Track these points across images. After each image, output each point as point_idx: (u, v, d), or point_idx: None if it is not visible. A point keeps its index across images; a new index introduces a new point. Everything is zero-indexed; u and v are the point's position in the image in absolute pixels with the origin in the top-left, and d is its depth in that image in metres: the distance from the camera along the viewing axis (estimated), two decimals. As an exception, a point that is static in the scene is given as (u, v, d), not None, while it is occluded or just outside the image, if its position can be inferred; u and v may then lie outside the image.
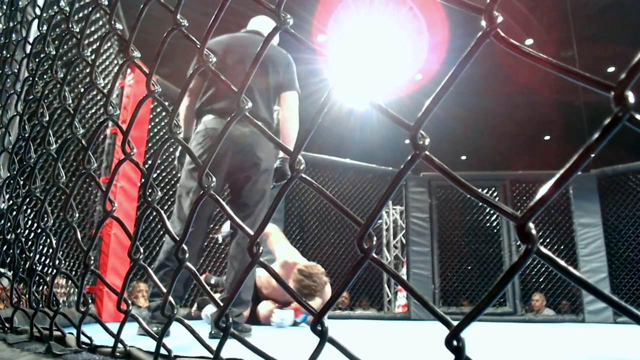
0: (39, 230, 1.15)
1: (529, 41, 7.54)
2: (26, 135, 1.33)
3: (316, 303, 3.86)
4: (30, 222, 2.43)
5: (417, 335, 3.29)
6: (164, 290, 0.81)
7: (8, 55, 1.75)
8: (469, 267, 6.97)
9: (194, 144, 2.54)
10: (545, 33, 7.37)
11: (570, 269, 0.38)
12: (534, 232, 0.39)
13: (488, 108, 9.50)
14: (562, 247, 6.54)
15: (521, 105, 9.35)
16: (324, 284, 3.96)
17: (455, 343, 0.43)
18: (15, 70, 1.66)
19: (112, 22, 1.00)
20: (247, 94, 2.15)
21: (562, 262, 0.38)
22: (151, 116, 4.77)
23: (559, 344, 2.64)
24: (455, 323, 0.44)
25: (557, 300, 6.68)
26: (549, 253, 0.39)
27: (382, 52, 7.50)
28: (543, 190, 0.39)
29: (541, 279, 6.70)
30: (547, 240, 6.63)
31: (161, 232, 4.88)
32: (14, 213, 1.32)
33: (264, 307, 4.04)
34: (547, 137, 11.02)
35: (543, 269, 6.67)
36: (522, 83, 8.29)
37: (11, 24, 1.85)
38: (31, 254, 1.25)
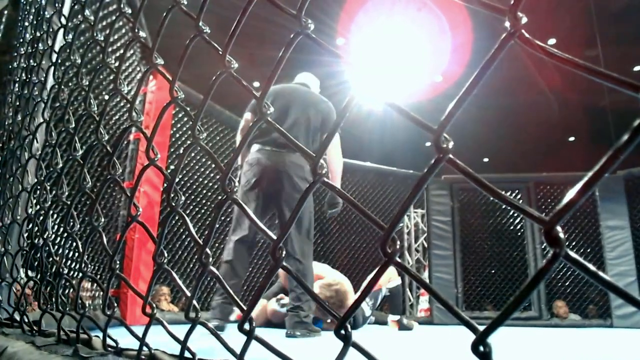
0: (66, 235, 1.17)
1: (552, 40, 7.43)
2: (53, 141, 1.36)
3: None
4: (56, 226, 2.48)
5: (441, 340, 3.26)
6: (188, 294, 0.82)
7: (35, 64, 1.79)
8: (493, 271, 6.86)
9: (243, 172, 3.08)
10: (568, 32, 7.24)
11: (600, 273, 0.37)
12: (562, 235, 0.38)
13: (510, 109, 9.37)
14: (588, 250, 6.40)
15: (544, 106, 9.19)
16: (345, 294, 3.96)
17: (482, 348, 0.42)
18: (42, 79, 1.70)
19: (136, 30, 1.01)
20: (292, 129, 2.76)
21: (591, 267, 0.37)
22: (173, 121, 4.84)
23: (587, 350, 2.58)
24: (481, 328, 0.43)
25: (583, 305, 6.54)
26: (578, 257, 0.38)
27: (402, 54, 7.47)
28: (571, 194, 0.38)
29: (567, 283, 6.57)
30: (573, 243, 6.50)
31: (184, 236, 4.94)
32: (41, 218, 1.35)
33: (271, 305, 4.01)
34: (571, 139, 10.82)
35: (569, 273, 6.53)
36: (545, 83, 8.17)
37: (37, 34, 1.89)
38: (58, 258, 1.28)
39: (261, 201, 3.00)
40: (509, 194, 6.71)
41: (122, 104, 3.78)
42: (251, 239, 2.99)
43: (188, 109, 0.96)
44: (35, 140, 1.64)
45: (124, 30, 3.65)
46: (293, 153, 2.99)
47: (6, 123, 2.09)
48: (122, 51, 3.56)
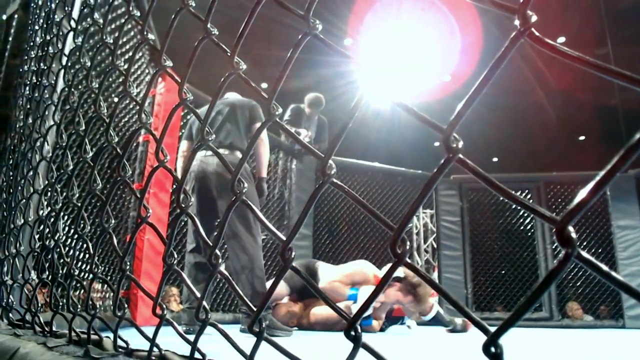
0: (76, 236, 1.17)
1: (561, 39, 7.38)
2: (63, 143, 1.37)
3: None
4: (67, 228, 2.50)
5: (451, 341, 3.24)
6: (198, 295, 0.82)
7: (45, 67, 1.80)
8: (503, 272, 6.82)
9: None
10: (578, 31, 7.19)
11: (613, 273, 0.37)
12: (574, 235, 0.38)
13: (519, 108, 9.32)
14: (599, 251, 6.34)
15: (554, 105, 9.13)
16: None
17: (493, 349, 0.42)
18: (52, 82, 1.71)
19: (144, 33, 1.02)
20: (230, 131, 3.07)
21: (604, 267, 0.37)
22: (182, 123, 4.85)
23: (599, 351, 2.56)
24: (492, 329, 0.43)
25: (595, 306, 6.47)
26: (590, 257, 0.38)
27: (411, 54, 7.45)
28: (582, 193, 0.38)
29: (578, 284, 6.51)
30: (585, 243, 6.44)
31: (193, 237, 4.94)
32: (52, 220, 1.36)
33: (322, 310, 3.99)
34: (581, 138, 10.73)
35: (580, 273, 6.47)
36: (555, 82, 8.11)
37: (48, 37, 1.91)
38: (69, 259, 1.29)
39: (199, 206, 3.14)
40: (519, 193, 6.64)
41: (131, 106, 3.81)
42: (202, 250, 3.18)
43: (197, 110, 0.97)
44: (45, 143, 1.65)
45: (132, 33, 3.68)
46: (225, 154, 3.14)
47: (17, 126, 2.10)
48: (131, 53, 3.59)
